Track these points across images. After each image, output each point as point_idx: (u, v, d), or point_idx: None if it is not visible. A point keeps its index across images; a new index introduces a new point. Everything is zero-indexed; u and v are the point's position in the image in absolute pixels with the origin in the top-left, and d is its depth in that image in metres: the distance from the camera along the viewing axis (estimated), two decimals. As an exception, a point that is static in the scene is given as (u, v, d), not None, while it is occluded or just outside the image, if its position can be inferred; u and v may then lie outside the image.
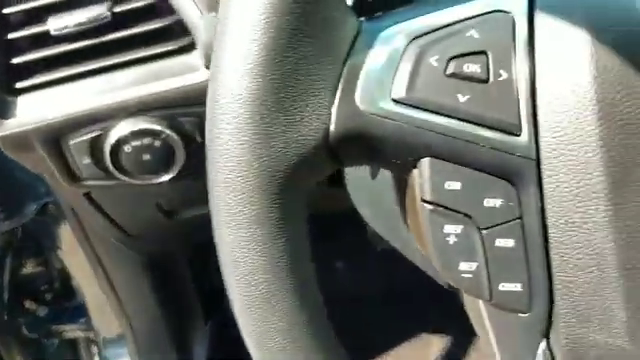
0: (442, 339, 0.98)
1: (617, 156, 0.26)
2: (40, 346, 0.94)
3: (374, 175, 0.44)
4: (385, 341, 1.02)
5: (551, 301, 0.29)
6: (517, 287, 0.29)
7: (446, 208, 0.28)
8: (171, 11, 0.45)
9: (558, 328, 0.29)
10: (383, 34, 0.27)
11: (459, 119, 0.26)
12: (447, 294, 0.44)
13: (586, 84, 0.26)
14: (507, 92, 0.26)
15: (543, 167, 0.27)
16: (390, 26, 0.27)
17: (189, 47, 0.45)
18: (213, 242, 0.28)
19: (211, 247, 0.28)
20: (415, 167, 0.28)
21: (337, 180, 0.52)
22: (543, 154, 0.26)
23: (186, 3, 0.44)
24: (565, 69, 0.26)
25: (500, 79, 0.26)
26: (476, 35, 0.26)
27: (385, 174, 0.42)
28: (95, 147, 0.47)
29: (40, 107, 0.46)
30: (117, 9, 0.44)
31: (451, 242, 0.28)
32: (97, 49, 0.46)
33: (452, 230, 0.28)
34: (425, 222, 0.28)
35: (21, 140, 0.47)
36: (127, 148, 0.46)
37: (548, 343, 0.31)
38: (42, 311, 0.92)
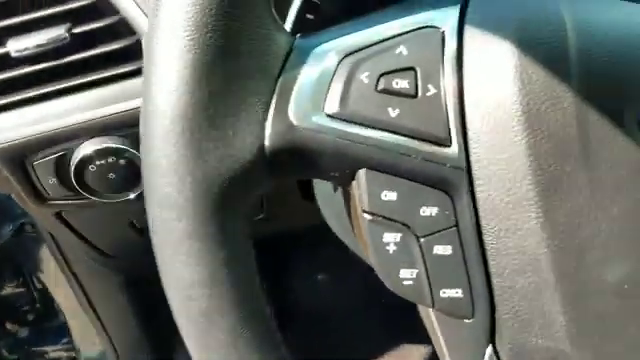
0: (425, 349, 0.98)
1: (545, 164, 0.27)
2: (21, 367, 0.93)
3: (335, 188, 0.45)
4: (368, 352, 1.02)
5: (492, 306, 0.30)
6: (458, 293, 0.29)
7: (384, 218, 0.28)
8: (131, 32, 0.46)
9: (502, 333, 0.30)
10: (316, 51, 0.28)
11: (391, 132, 0.27)
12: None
13: (512, 96, 0.27)
14: (436, 106, 0.27)
15: (474, 176, 0.27)
16: (323, 43, 0.28)
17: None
18: None
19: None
20: (354, 179, 0.29)
21: (310, 193, 0.53)
22: (473, 164, 0.27)
23: (145, 24, 0.45)
24: (492, 82, 0.27)
25: (428, 94, 0.27)
26: (405, 52, 0.27)
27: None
28: (60, 167, 0.48)
29: (3, 128, 0.46)
30: (76, 30, 0.45)
31: (391, 251, 0.29)
32: (59, 70, 0.46)
33: (391, 239, 0.29)
34: (365, 232, 0.29)
35: (-15, 161, 0.47)
36: (92, 167, 0.47)
37: (494, 348, 0.31)
38: (23, 332, 0.91)
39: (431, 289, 0.29)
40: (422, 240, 0.28)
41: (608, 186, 0.27)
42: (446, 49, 0.27)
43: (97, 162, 0.47)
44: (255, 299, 0.28)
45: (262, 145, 0.27)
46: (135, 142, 0.47)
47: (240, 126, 0.26)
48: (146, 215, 0.28)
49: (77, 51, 0.45)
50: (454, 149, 0.27)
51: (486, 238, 0.28)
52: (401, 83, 0.27)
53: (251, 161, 0.26)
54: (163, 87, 0.25)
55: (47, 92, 0.46)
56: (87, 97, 0.46)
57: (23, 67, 0.46)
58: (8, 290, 0.92)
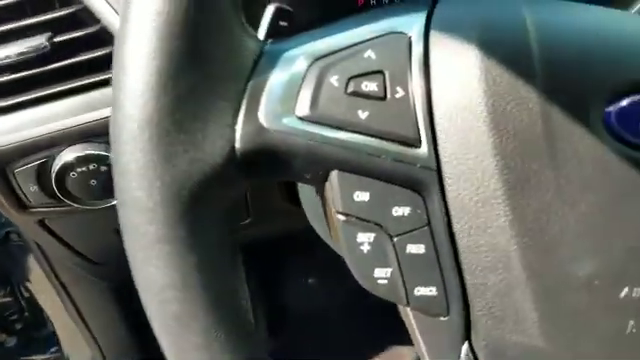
0: (413, 350, 0.99)
1: (512, 163, 0.27)
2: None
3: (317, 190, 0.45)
4: (361, 353, 1.02)
5: (467, 304, 0.30)
6: (432, 291, 0.30)
7: (357, 218, 0.29)
8: (112, 40, 0.46)
9: (477, 330, 0.30)
10: (286, 55, 0.28)
11: (361, 134, 0.28)
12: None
13: (478, 97, 0.27)
14: (404, 108, 0.27)
15: (444, 176, 0.28)
16: (293, 48, 0.29)
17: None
18: None
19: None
20: (327, 180, 0.29)
21: (295, 197, 0.53)
22: (443, 164, 0.28)
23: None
24: (458, 84, 0.27)
25: (397, 96, 0.27)
26: (373, 56, 0.28)
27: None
28: (41, 174, 0.48)
29: (-17, 136, 0.46)
30: (57, 39, 0.45)
31: (365, 250, 0.29)
32: (40, 78, 0.46)
33: (365, 239, 0.29)
34: (339, 232, 0.29)
35: (-35, 169, 0.47)
36: (73, 174, 0.47)
37: (470, 345, 0.32)
38: (11, 341, 0.91)
39: (405, 288, 0.29)
40: (395, 239, 0.29)
41: (575, 183, 0.27)
42: (413, 53, 0.28)
43: (78, 169, 0.47)
44: (229, 302, 0.28)
45: (233, 148, 0.27)
46: (116, 148, 0.47)
47: (209, 129, 0.26)
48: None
49: (58, 59, 0.45)
50: (424, 149, 0.28)
51: (457, 236, 0.28)
52: (370, 86, 0.27)
53: (222, 164, 0.27)
54: (130, 93, 0.25)
55: (28, 100, 0.46)
56: (68, 104, 0.46)
57: (4, 75, 0.46)
58: (-4, 299, 0.91)
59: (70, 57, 0.46)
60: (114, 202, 0.49)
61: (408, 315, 0.35)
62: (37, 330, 0.93)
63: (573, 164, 0.27)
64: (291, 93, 0.28)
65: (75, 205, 0.49)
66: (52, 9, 0.46)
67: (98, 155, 0.47)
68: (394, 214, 0.28)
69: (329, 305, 1.05)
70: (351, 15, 0.31)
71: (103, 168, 0.47)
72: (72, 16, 0.46)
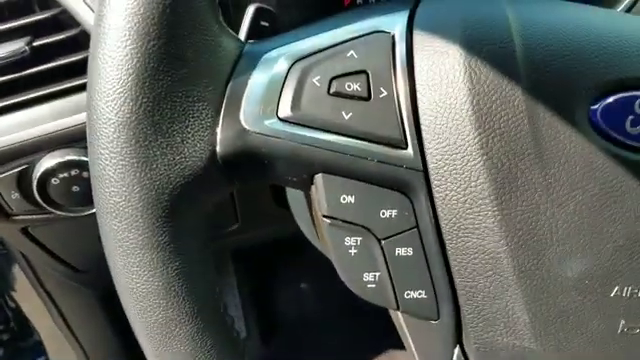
0: (407, 354, 0.98)
1: (499, 163, 0.27)
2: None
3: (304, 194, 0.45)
4: (352, 358, 1.02)
5: (457, 307, 0.29)
6: (422, 294, 0.29)
7: (344, 221, 0.28)
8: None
9: (468, 333, 0.30)
10: (266, 56, 0.28)
11: (345, 135, 0.27)
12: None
13: (462, 96, 0.27)
14: (389, 108, 0.27)
15: (431, 177, 0.27)
16: (273, 49, 0.28)
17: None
18: None
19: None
20: (313, 183, 0.28)
21: (284, 200, 0.53)
22: (430, 165, 0.27)
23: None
24: (443, 84, 0.27)
25: (381, 96, 0.27)
26: (356, 55, 0.27)
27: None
28: (22, 181, 0.47)
29: (-38, 143, 0.45)
30: (37, 43, 0.44)
31: (352, 254, 0.29)
32: (20, 83, 0.45)
33: (352, 242, 0.28)
34: (326, 236, 0.29)
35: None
36: (55, 180, 0.46)
37: (462, 348, 0.31)
38: (-3, 352, 0.90)
39: (395, 291, 0.29)
40: (383, 242, 0.28)
41: (563, 182, 0.27)
42: (396, 53, 0.27)
43: (60, 175, 0.46)
44: (215, 308, 0.28)
45: (214, 151, 0.26)
46: (99, 154, 0.46)
47: (189, 132, 0.26)
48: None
49: (38, 63, 0.45)
50: (410, 151, 0.27)
51: (446, 238, 0.28)
52: (353, 86, 0.27)
53: (203, 167, 0.26)
54: (106, 95, 0.25)
55: (7, 105, 0.45)
56: (48, 109, 0.46)
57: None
58: (-20, 310, 0.90)
59: (50, 61, 0.45)
60: (97, 209, 0.49)
61: (399, 319, 0.34)
62: (23, 340, 0.91)
63: (560, 162, 0.27)
64: (272, 94, 0.27)
65: (58, 212, 0.48)
66: (31, 13, 0.45)
67: (80, 161, 0.46)
68: (381, 217, 0.28)
69: (321, 310, 1.05)
70: (334, 14, 0.30)
71: (85, 174, 0.46)
72: (51, 20, 0.45)
